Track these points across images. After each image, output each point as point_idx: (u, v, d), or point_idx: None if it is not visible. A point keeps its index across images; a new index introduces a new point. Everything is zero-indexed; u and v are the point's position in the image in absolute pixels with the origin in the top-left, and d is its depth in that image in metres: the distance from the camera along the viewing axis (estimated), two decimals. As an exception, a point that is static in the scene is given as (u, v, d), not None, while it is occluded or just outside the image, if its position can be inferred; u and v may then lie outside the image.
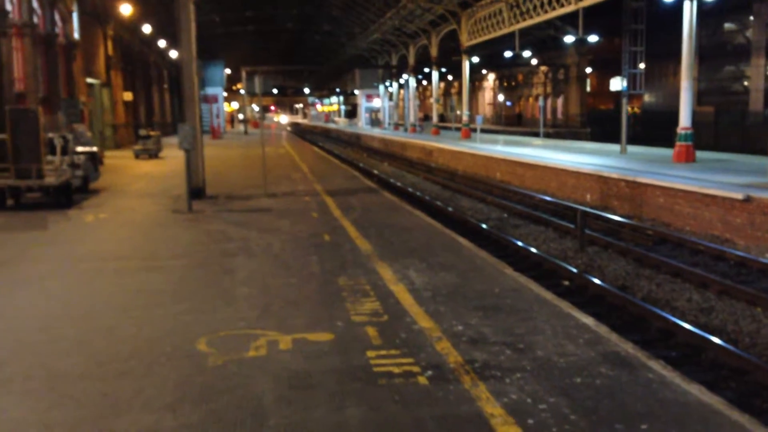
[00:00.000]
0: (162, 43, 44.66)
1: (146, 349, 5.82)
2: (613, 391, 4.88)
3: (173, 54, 45.51)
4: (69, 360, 5.59)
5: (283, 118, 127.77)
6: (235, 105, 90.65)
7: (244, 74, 60.60)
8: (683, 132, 20.12)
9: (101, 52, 34.95)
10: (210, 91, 54.01)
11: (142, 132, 31.26)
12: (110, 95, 35.99)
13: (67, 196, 14.83)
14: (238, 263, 9.11)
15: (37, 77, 23.87)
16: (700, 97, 35.81)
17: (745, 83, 37.59)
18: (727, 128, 30.10)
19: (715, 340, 7.50)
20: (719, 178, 15.50)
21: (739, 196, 13.01)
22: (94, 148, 19.34)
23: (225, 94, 64.20)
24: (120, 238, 11.20)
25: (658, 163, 20.17)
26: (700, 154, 20.85)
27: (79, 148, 17.53)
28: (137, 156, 29.03)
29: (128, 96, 39.45)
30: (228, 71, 64.03)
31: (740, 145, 26.37)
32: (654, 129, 33.04)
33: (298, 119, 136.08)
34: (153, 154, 29.26)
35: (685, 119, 19.98)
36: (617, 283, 10.46)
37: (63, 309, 7.07)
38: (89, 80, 32.28)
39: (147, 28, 39.07)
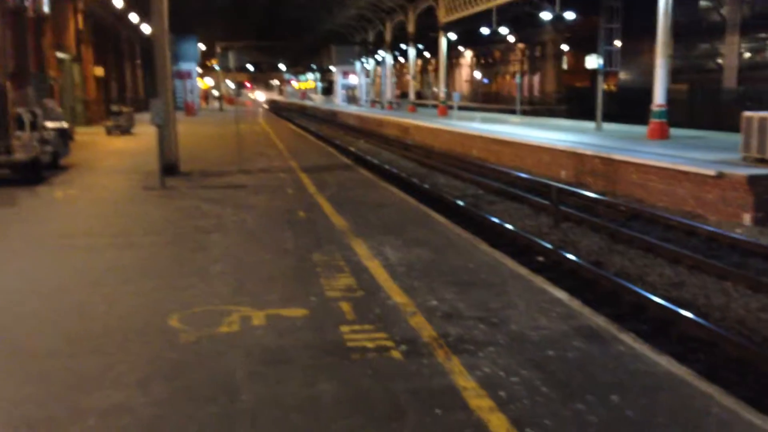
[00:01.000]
0: (134, 18, 43.85)
1: (117, 326, 5.75)
2: (585, 364, 4.92)
3: (146, 29, 44.72)
4: (38, 337, 5.51)
5: (260, 95, 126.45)
6: (209, 81, 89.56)
7: (218, 49, 59.86)
8: (657, 109, 20.26)
9: (71, 26, 34.21)
10: (184, 66, 53.15)
11: (114, 108, 30.77)
12: (81, 70, 35.31)
13: (36, 173, 14.57)
14: (212, 240, 9.03)
15: (5, 51, 23.30)
16: (674, 75, 35.91)
17: (720, 61, 37.89)
18: (701, 105, 30.35)
19: (686, 313, 7.60)
20: (692, 155, 15.64)
21: (712, 172, 13.14)
22: (65, 124, 19.00)
23: (199, 70, 63.33)
24: (90, 215, 11.04)
25: (633, 140, 20.30)
26: (674, 131, 21.01)
27: (49, 124, 17.21)
28: (109, 132, 28.59)
29: (99, 71, 38.75)
30: (202, 47, 63.11)
31: (714, 122, 26.61)
32: (629, 106, 33.17)
33: (275, 96, 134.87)
34: (125, 131, 28.84)
35: (659, 96, 20.11)
36: (591, 259, 10.54)
37: (32, 286, 6.96)
38: (59, 55, 31.63)
39: (118, 2, 38.30)
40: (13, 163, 14.28)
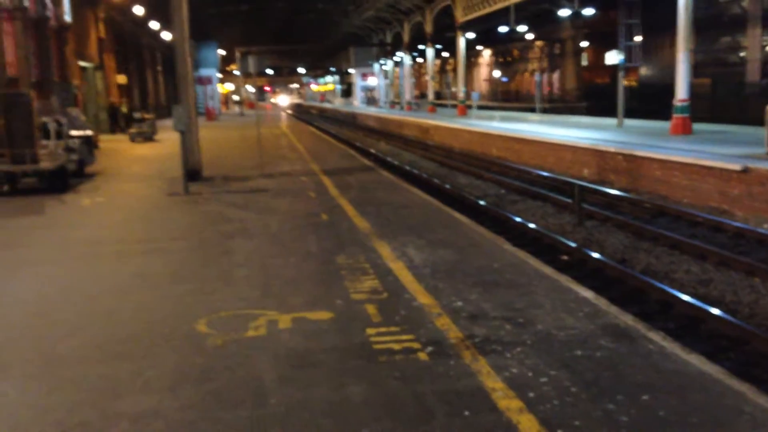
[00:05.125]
0: (155, 25, 44.24)
1: (145, 331, 5.81)
2: (614, 363, 4.88)
3: (166, 36, 45.08)
4: (67, 344, 5.58)
5: (282, 99, 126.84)
6: (229, 86, 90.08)
7: (238, 54, 60.20)
8: (680, 104, 20.05)
9: (93, 35, 34.63)
10: (204, 72, 53.61)
11: (137, 115, 31.10)
12: (104, 78, 35.72)
13: (62, 181, 14.76)
14: (237, 244, 9.08)
15: (29, 61, 23.63)
16: (696, 69, 35.59)
17: (742, 54, 37.39)
18: (724, 100, 30.02)
19: (714, 311, 7.51)
20: (716, 150, 15.45)
21: (737, 167, 12.97)
22: (89, 132, 19.24)
23: (219, 75, 63.77)
24: (117, 222, 11.16)
25: (655, 135, 20.10)
26: (697, 126, 20.77)
27: (74, 132, 17.43)
28: (132, 139, 28.93)
29: (122, 79, 39.16)
30: (222, 52, 63.52)
31: (738, 116, 26.29)
32: (651, 102, 32.92)
33: (296, 99, 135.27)
34: (148, 137, 29.16)
35: (681, 91, 19.90)
36: (616, 257, 10.46)
37: (60, 293, 7.05)
38: (82, 63, 32.02)
39: (139, 10, 38.69)
40: (40, 172, 14.47)
